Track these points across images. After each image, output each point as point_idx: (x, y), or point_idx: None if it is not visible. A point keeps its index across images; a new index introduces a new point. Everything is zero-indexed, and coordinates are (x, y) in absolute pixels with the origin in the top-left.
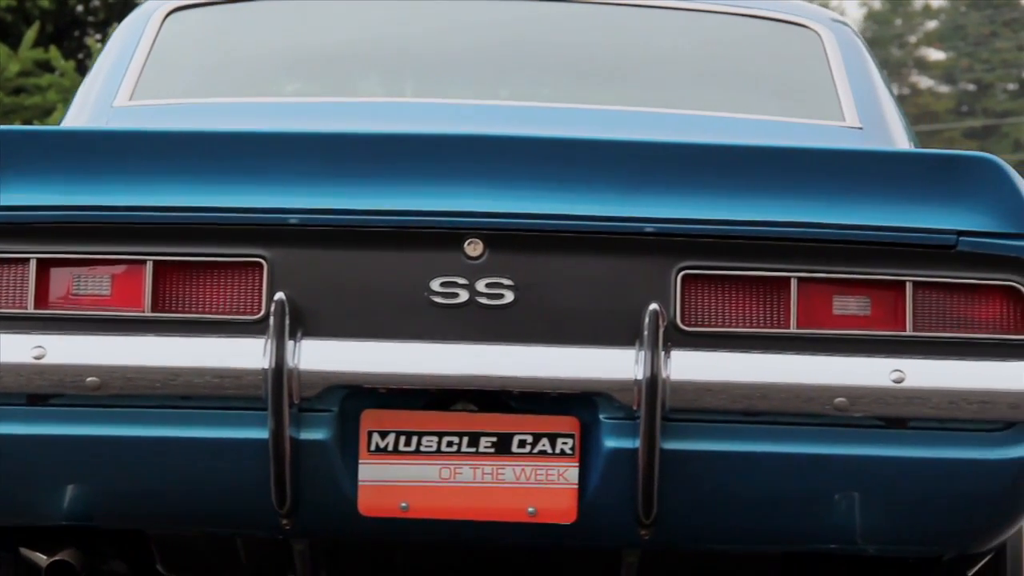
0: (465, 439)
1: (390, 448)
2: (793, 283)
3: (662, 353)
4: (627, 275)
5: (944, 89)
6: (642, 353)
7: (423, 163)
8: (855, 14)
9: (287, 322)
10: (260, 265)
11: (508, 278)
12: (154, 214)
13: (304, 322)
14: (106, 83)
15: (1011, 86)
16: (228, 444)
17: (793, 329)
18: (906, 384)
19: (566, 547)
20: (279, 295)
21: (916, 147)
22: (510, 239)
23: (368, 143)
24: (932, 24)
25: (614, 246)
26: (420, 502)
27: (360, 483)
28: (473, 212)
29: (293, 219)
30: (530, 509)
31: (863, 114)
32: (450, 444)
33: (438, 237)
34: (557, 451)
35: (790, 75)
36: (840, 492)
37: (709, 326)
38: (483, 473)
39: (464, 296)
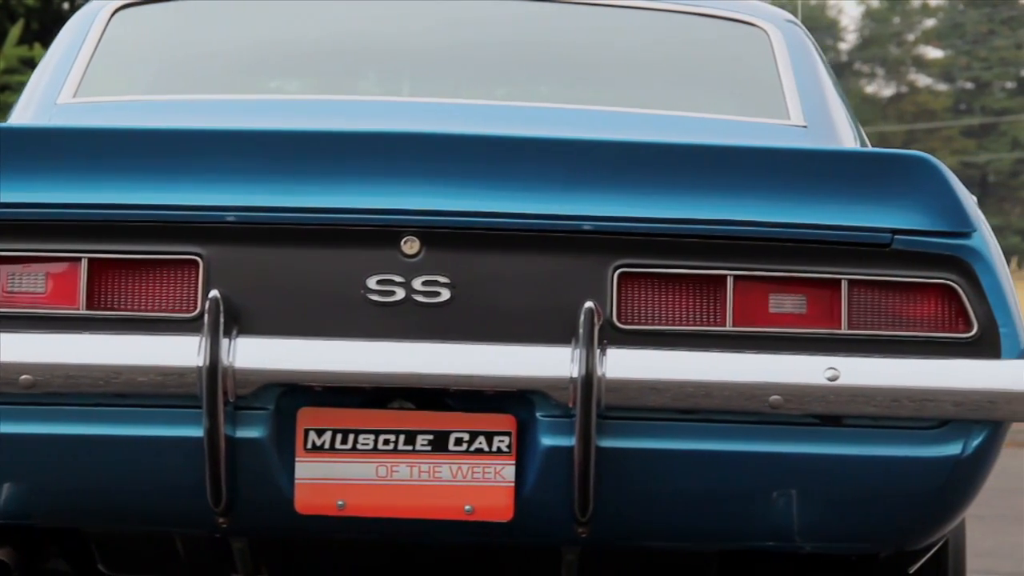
0: (402, 437)
1: (326, 446)
2: (729, 281)
3: (597, 351)
4: (564, 273)
5: (942, 87)
6: (578, 351)
7: (360, 161)
8: (853, 12)
9: (222, 320)
10: (196, 263)
11: (445, 276)
12: (89, 211)
13: (240, 320)
14: (51, 80)
15: (1009, 84)
16: (163, 442)
17: (729, 327)
18: (840, 382)
19: (503, 545)
20: (213, 293)
21: (864, 146)
22: (447, 237)
23: (305, 141)
24: (930, 22)
25: (551, 244)
26: (357, 500)
27: (297, 481)
28: (410, 210)
29: (229, 217)
30: (467, 507)
31: (808, 113)
32: (387, 442)
33: (374, 235)
34: (494, 449)
35: (737, 73)
36: (776, 490)
37: (645, 324)
38: (420, 471)
39: (400, 294)
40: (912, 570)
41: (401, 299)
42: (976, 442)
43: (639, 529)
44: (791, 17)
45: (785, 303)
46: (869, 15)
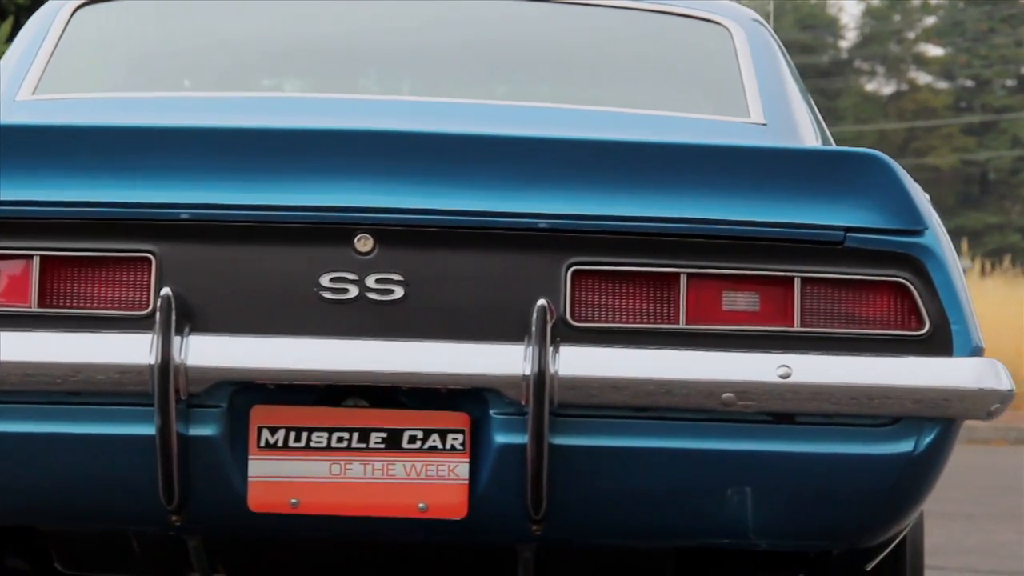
0: (355, 435)
1: (280, 444)
2: (682, 279)
3: (550, 348)
4: (518, 271)
5: (942, 85)
6: (531, 349)
7: (313, 158)
8: (854, 10)
9: (173, 317)
10: (148, 260)
11: (398, 274)
12: (42, 209)
13: (192, 317)
14: (11, 77)
15: (1009, 82)
16: (116, 440)
17: (682, 325)
18: (792, 379)
19: (457, 543)
20: (165, 290)
21: (827, 144)
22: (400, 235)
23: (257, 138)
24: (930, 20)
25: (505, 242)
26: (310, 498)
27: (250, 479)
28: (363, 207)
29: (183, 214)
30: (420, 505)
31: (768, 111)
32: (340, 440)
33: (328, 232)
34: (447, 447)
35: (699, 71)
36: (729, 487)
37: (598, 322)
38: (373, 469)
39: (354, 292)
40: (869, 567)
41: (354, 297)
42: (928, 439)
43: (594, 526)
44: (756, 16)
45: (738, 301)
46: (869, 13)
